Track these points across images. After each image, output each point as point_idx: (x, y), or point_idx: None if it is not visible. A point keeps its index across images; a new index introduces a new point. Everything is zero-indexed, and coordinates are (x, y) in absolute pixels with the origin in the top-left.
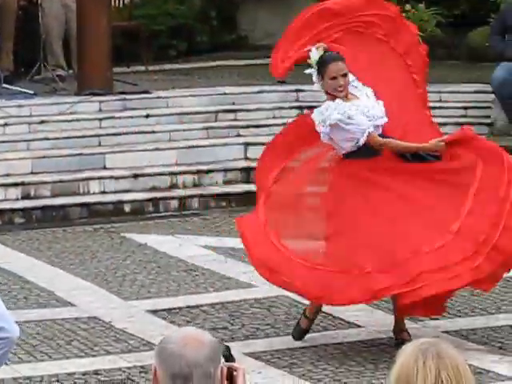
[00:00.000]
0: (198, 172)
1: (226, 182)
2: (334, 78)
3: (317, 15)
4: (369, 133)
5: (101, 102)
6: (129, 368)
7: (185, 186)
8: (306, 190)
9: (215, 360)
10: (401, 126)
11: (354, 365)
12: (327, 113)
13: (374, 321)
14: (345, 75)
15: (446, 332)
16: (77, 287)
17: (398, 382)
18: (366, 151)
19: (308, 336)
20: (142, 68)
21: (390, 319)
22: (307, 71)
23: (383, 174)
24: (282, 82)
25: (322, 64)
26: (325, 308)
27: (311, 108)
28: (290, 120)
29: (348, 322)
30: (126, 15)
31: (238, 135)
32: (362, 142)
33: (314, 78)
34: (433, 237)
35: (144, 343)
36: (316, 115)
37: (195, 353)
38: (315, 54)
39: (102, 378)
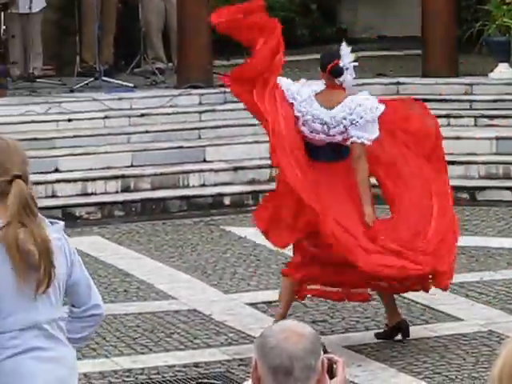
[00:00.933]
0: None
1: None
2: None
3: None
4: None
5: (201, 95)
6: (228, 361)
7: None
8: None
9: (316, 352)
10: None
11: (455, 358)
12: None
13: (475, 314)
14: None
15: None
16: (177, 280)
17: (501, 376)
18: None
19: (411, 328)
20: (242, 61)
21: (491, 312)
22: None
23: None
24: (383, 75)
25: (324, 56)
26: (425, 301)
27: None
28: None
29: (448, 315)
30: None
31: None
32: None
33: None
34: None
35: (243, 336)
36: None
37: (296, 346)
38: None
39: (202, 371)
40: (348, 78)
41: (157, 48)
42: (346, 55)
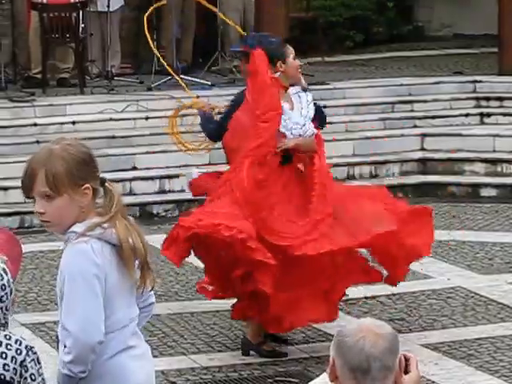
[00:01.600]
0: (375, 163)
1: (403, 173)
2: (295, 58)
3: None
4: None
5: None
6: (305, 359)
7: (361, 177)
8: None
9: (394, 352)
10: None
11: None
12: None
13: None
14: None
15: None
16: None
17: None
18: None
19: (485, 327)
20: (319, 59)
21: None
22: None
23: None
24: (459, 73)
25: (277, 47)
26: (503, 300)
27: (488, 99)
28: (467, 111)
29: None
30: (303, 6)
31: (415, 126)
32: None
33: None
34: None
35: (320, 334)
36: None
37: (374, 346)
38: None
39: (279, 369)
40: None
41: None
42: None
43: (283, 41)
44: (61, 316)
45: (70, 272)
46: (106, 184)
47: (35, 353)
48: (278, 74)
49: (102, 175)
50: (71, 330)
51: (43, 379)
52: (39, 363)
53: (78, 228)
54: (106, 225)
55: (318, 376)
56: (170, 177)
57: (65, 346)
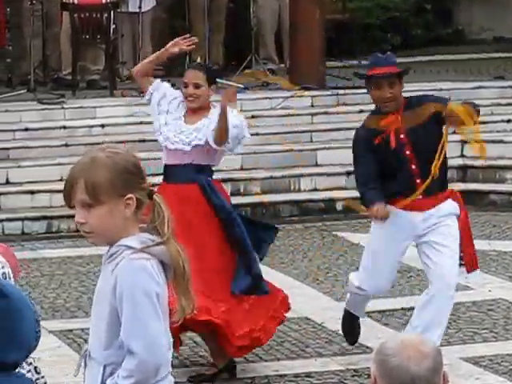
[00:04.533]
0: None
1: None
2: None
3: None
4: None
5: (313, 96)
6: (341, 371)
7: None
8: None
9: (438, 370)
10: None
11: None
12: None
13: None
14: (197, 86)
15: None
16: (288, 287)
17: None
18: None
19: None
20: (355, 62)
21: None
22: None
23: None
24: (501, 78)
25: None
26: None
27: None
28: (508, 117)
29: None
30: (339, 8)
31: (454, 132)
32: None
33: None
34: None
35: (357, 345)
36: None
37: (419, 366)
38: None
39: (314, 381)
40: None
41: (269, 48)
42: None
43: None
44: (123, 336)
45: (132, 289)
46: (155, 197)
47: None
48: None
49: (150, 187)
50: (137, 351)
51: None
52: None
53: (133, 242)
54: (161, 242)
55: None
56: None
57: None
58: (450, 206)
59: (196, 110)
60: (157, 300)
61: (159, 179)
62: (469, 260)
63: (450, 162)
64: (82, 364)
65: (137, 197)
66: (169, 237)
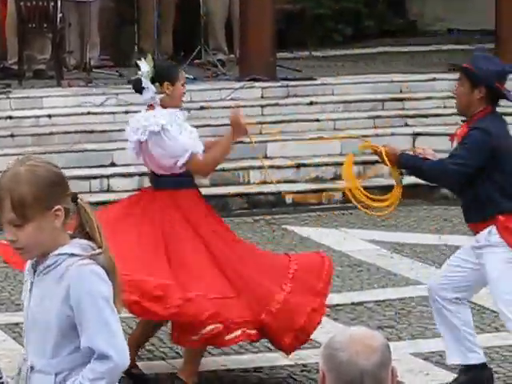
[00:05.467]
0: (364, 163)
1: None
2: (183, 84)
3: None
4: (192, 153)
5: (263, 88)
6: (291, 366)
7: None
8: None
9: (386, 364)
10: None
11: None
12: (154, 119)
13: None
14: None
15: None
16: None
17: None
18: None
19: (481, 336)
20: (306, 53)
21: None
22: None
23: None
24: (454, 70)
25: (171, 69)
26: (496, 308)
27: None
28: None
29: None
30: None
31: (406, 125)
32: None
33: (148, 85)
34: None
35: None
36: (133, 122)
37: (367, 361)
38: (145, 64)
39: (263, 376)
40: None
41: (219, 38)
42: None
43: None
44: (90, 342)
45: (92, 295)
46: (79, 200)
47: None
48: (163, 95)
49: (72, 191)
50: (112, 355)
51: None
52: None
53: (75, 250)
54: (96, 248)
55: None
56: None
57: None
58: None
59: None
60: (112, 302)
61: (113, 170)
62: None
63: None
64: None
65: (64, 206)
66: (105, 244)
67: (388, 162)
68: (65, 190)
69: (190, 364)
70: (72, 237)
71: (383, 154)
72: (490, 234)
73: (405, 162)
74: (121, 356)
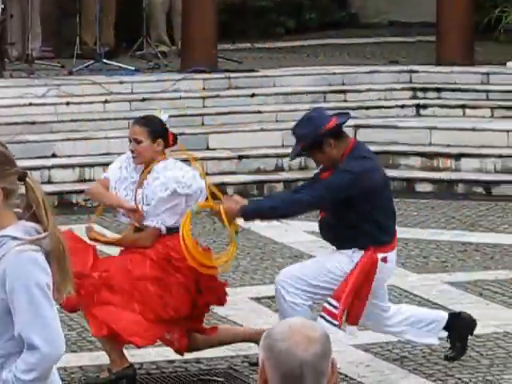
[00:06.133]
0: (305, 154)
1: None
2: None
3: None
4: None
5: (205, 79)
6: (231, 357)
7: (291, 169)
8: None
9: (327, 355)
10: None
11: (468, 360)
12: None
13: (490, 314)
14: (137, 141)
15: None
16: None
17: None
18: None
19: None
20: (248, 45)
21: (507, 312)
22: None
23: None
24: (395, 62)
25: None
26: (438, 300)
27: (425, 90)
28: (402, 102)
29: None
30: None
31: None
32: None
33: None
34: None
35: None
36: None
37: (307, 351)
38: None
39: (204, 367)
40: None
41: (160, 30)
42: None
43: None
44: (21, 331)
45: (25, 283)
46: (27, 179)
47: None
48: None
49: (21, 169)
50: (39, 345)
51: None
52: None
53: (17, 233)
54: (42, 230)
55: (245, 375)
56: (91, 165)
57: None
58: None
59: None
60: (48, 290)
61: (46, 161)
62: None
63: None
64: None
65: (4, 186)
66: (52, 226)
67: (226, 221)
68: (5, 169)
69: (113, 355)
70: (20, 218)
71: (222, 212)
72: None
73: (250, 213)
74: (51, 347)
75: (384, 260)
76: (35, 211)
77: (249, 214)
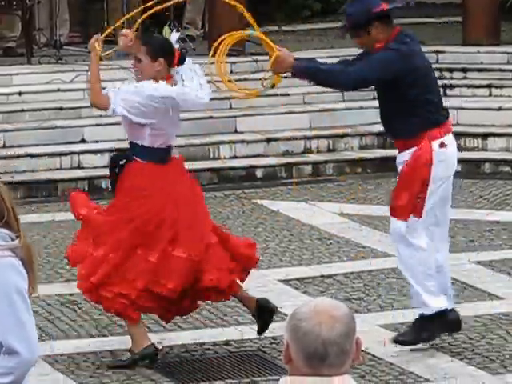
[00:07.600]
0: (333, 136)
1: (362, 147)
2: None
3: None
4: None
5: (232, 63)
6: (259, 339)
7: (319, 151)
8: None
9: (350, 335)
10: None
11: (495, 338)
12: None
13: None
14: (137, 59)
15: None
16: None
17: None
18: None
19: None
20: (275, 28)
21: None
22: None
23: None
24: (422, 43)
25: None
26: (464, 278)
27: (451, 70)
28: None
29: (489, 293)
30: None
31: (374, 98)
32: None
33: None
34: None
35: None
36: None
37: (331, 331)
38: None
39: (233, 349)
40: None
41: (197, 13)
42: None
43: None
44: (0, 335)
45: (5, 288)
46: None
47: None
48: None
49: None
50: (20, 351)
51: None
52: None
53: None
54: (15, 237)
55: (272, 357)
56: (120, 150)
57: None
58: None
59: None
60: (26, 295)
61: (75, 147)
62: None
63: (370, 129)
64: None
65: None
66: (22, 233)
67: (273, 64)
68: None
69: (134, 335)
70: None
71: (276, 58)
72: None
73: (300, 68)
74: (31, 352)
75: (442, 146)
76: (6, 219)
77: (298, 69)
